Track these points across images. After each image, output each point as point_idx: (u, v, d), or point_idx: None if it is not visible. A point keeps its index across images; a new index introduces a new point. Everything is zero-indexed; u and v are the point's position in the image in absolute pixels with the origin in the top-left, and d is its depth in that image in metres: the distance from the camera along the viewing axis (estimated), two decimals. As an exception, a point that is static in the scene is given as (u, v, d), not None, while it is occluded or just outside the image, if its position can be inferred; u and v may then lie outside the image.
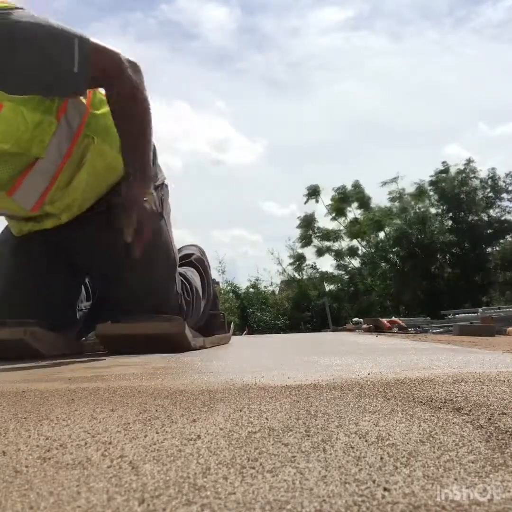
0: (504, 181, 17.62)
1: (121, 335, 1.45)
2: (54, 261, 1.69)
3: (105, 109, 1.54)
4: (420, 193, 17.57)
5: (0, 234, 1.78)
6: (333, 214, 18.08)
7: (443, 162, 17.91)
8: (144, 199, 1.43)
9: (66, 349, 1.58)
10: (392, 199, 17.78)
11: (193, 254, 2.07)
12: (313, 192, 17.85)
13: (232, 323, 2.31)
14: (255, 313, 16.18)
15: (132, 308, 1.55)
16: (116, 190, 1.58)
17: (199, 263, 2.04)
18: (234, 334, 2.78)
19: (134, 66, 1.44)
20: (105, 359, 1.30)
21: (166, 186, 1.79)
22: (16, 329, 1.38)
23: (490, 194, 17.62)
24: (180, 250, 2.05)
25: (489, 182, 17.63)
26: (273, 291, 18.34)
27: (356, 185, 17.99)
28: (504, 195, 17.63)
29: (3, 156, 1.36)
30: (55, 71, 1.31)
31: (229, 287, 17.37)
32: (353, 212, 18.21)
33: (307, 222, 18.02)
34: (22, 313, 1.52)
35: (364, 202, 17.88)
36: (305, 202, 18.13)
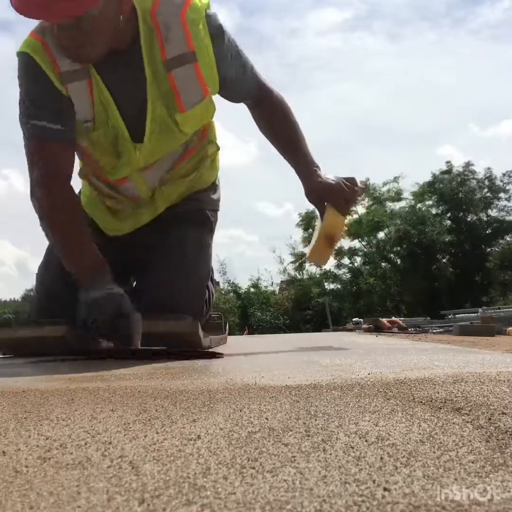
0: (501, 180, 17.67)
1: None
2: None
3: (215, 132, 1.74)
4: (420, 193, 17.59)
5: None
6: None
7: (447, 162, 17.99)
8: (321, 183, 1.51)
9: (95, 348, 1.59)
10: (389, 199, 17.80)
11: None
12: None
13: (227, 324, 2.30)
14: (255, 313, 16.18)
15: (157, 305, 1.54)
16: (199, 200, 1.74)
17: None
18: (233, 334, 2.78)
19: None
20: (104, 359, 1.30)
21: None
22: (57, 327, 1.40)
23: (488, 194, 17.66)
24: None
25: (486, 182, 17.67)
26: (273, 291, 18.33)
27: (366, 184, 17.96)
28: (502, 195, 17.68)
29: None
30: (243, 84, 1.56)
31: (230, 287, 17.37)
32: (358, 211, 18.15)
33: (308, 220, 17.98)
34: (53, 313, 1.54)
35: (378, 199, 17.80)
36: None
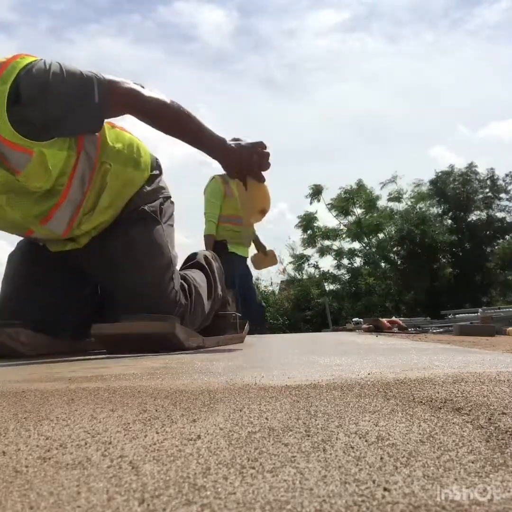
0: (503, 180, 17.73)
1: (114, 335, 1.47)
2: (55, 266, 1.78)
3: (113, 137, 1.68)
4: (420, 193, 17.62)
5: (18, 243, 1.90)
6: (336, 213, 18.03)
7: (449, 165, 18.09)
8: (232, 151, 1.58)
9: (52, 349, 1.63)
10: (391, 199, 17.83)
11: (197, 254, 2.11)
12: (316, 192, 17.80)
13: (246, 324, 2.32)
14: (255, 313, 16.14)
15: (130, 307, 1.60)
16: (133, 201, 1.75)
17: (205, 264, 2.07)
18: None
19: (142, 87, 1.57)
20: (104, 359, 1.30)
21: (172, 202, 1.93)
22: None
23: (489, 194, 17.72)
24: (190, 255, 2.15)
25: (488, 182, 17.73)
26: (273, 291, 18.31)
27: (360, 185, 17.96)
28: (503, 195, 17.74)
29: (38, 194, 1.52)
30: (78, 112, 1.46)
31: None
32: (356, 212, 18.13)
33: (307, 221, 17.96)
34: (12, 315, 1.64)
35: (371, 202, 17.80)
36: (310, 202, 18.07)
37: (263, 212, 1.68)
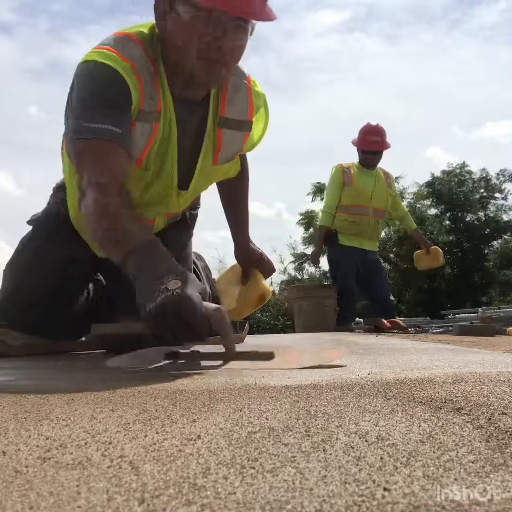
0: (497, 179, 17.83)
1: (114, 335, 1.47)
2: (60, 265, 1.75)
3: None
4: (419, 193, 17.67)
5: (34, 233, 1.78)
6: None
7: (448, 163, 18.13)
8: (254, 249, 1.80)
9: (48, 349, 1.63)
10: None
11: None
12: (319, 190, 17.81)
13: (246, 324, 2.32)
14: (255, 314, 16.18)
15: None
16: None
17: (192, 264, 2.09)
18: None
19: None
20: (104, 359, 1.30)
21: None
22: None
23: (484, 194, 17.82)
24: None
25: (482, 182, 17.83)
26: (273, 291, 18.30)
27: None
28: (497, 195, 17.83)
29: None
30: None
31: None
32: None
33: (309, 219, 17.97)
34: (8, 315, 1.61)
35: None
36: (312, 200, 18.13)
37: (262, 298, 1.81)
